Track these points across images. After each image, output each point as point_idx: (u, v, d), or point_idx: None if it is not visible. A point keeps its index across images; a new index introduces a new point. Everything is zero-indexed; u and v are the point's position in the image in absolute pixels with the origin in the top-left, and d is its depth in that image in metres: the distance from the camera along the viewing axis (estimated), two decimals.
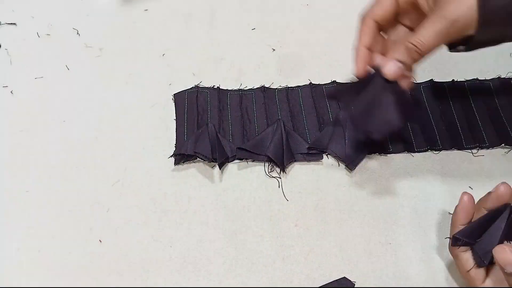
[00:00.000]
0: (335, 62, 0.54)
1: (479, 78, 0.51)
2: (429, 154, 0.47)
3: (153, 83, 0.52)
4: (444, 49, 0.37)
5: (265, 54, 0.54)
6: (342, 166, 0.46)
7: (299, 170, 0.46)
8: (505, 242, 0.34)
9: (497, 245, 0.34)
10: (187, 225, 0.43)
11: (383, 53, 0.37)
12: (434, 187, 0.45)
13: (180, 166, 0.46)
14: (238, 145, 0.46)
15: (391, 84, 0.36)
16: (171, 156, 0.46)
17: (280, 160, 0.45)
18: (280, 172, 0.46)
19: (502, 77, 0.51)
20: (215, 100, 0.50)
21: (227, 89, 0.51)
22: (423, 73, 0.52)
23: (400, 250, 0.42)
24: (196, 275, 0.41)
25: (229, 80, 0.52)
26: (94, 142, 0.48)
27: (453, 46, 0.36)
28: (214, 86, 0.51)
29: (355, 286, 0.40)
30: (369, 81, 0.37)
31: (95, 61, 0.54)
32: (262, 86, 0.51)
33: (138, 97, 0.51)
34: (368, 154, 0.46)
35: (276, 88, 0.51)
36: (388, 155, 0.47)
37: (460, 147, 0.47)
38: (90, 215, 0.44)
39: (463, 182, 0.45)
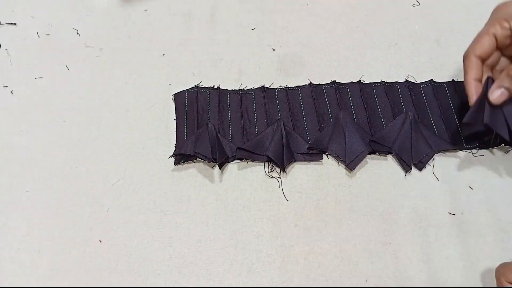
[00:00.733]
0: (335, 62, 0.54)
1: None
2: None
3: (153, 83, 0.52)
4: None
5: (265, 54, 0.54)
6: (342, 166, 0.46)
7: (299, 170, 0.46)
8: None
9: None
10: (187, 225, 0.43)
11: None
12: (434, 187, 0.45)
13: (180, 166, 0.46)
14: (238, 145, 0.46)
15: None
16: (171, 156, 0.46)
17: (280, 160, 0.45)
18: (280, 172, 0.46)
19: None
20: (215, 100, 0.50)
21: (227, 89, 0.51)
22: (423, 73, 0.52)
23: (400, 250, 0.42)
24: (196, 275, 0.41)
25: (229, 80, 0.52)
26: (94, 142, 0.48)
27: None
28: (214, 86, 0.51)
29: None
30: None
31: (95, 61, 0.54)
32: (262, 86, 0.51)
33: (138, 97, 0.51)
34: (368, 154, 0.46)
35: (276, 88, 0.51)
36: (387, 155, 0.47)
37: (461, 147, 0.47)
38: (90, 215, 0.44)
39: (463, 182, 0.45)
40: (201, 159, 0.45)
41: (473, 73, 0.41)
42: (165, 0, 0.59)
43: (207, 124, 0.46)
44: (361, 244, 0.42)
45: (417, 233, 0.43)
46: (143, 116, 0.50)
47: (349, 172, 0.46)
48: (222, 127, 0.48)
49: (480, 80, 0.41)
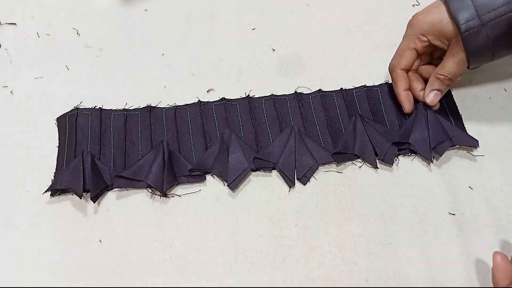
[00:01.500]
0: (335, 62, 0.54)
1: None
2: None
3: (152, 83, 0.52)
4: None
5: (265, 54, 0.54)
6: (342, 166, 0.46)
7: None
8: None
9: None
10: (187, 225, 0.43)
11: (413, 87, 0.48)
12: (434, 187, 0.45)
13: None
14: (119, 171, 0.44)
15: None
16: (46, 191, 0.44)
17: (160, 186, 0.43)
18: (160, 197, 0.44)
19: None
20: (96, 122, 0.47)
21: (110, 109, 0.49)
22: None
23: (400, 250, 0.42)
24: (196, 275, 0.41)
25: (229, 80, 0.52)
26: None
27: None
28: (96, 106, 0.49)
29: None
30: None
31: (95, 61, 0.54)
32: (148, 105, 0.49)
33: (138, 97, 0.51)
34: (252, 171, 0.45)
35: (164, 107, 0.49)
36: (272, 171, 0.46)
37: (350, 158, 0.46)
38: (90, 215, 0.44)
39: (463, 182, 0.45)
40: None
41: (402, 84, 0.47)
42: (165, 0, 0.59)
43: (82, 153, 0.44)
44: (361, 244, 0.42)
45: (417, 233, 0.43)
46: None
47: (349, 172, 0.46)
48: (103, 152, 0.46)
49: (408, 89, 0.48)
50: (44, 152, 0.47)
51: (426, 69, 0.49)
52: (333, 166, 0.46)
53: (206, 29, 0.57)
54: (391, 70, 0.48)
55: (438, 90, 0.46)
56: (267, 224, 0.43)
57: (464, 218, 0.43)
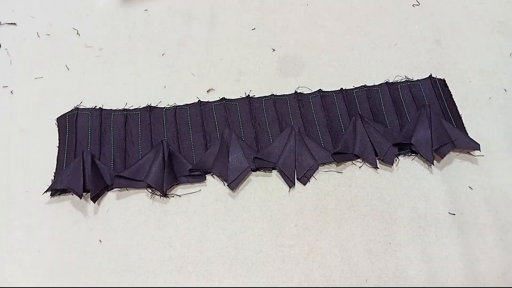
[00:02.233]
0: (335, 62, 0.54)
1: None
2: None
3: (152, 83, 0.52)
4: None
5: (265, 54, 0.54)
6: (342, 166, 0.46)
7: None
8: None
9: None
10: (187, 225, 0.43)
11: None
12: (434, 187, 0.45)
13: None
14: (119, 171, 0.44)
15: None
16: (46, 191, 0.44)
17: (160, 185, 0.43)
18: (161, 197, 0.44)
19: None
20: (96, 122, 0.47)
21: (110, 109, 0.49)
22: (423, 73, 0.52)
23: (400, 250, 0.42)
24: (196, 275, 0.41)
25: (229, 80, 0.52)
26: None
27: None
28: (96, 106, 0.49)
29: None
30: None
31: (95, 61, 0.54)
32: (148, 105, 0.49)
33: (138, 97, 0.51)
34: (252, 171, 0.45)
35: (164, 107, 0.49)
36: (272, 171, 0.46)
37: (350, 158, 0.46)
38: (90, 215, 0.44)
39: (463, 182, 0.45)
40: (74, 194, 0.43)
41: None
42: (165, 0, 0.59)
43: (82, 153, 0.44)
44: (361, 244, 0.42)
45: (417, 233, 0.43)
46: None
47: (349, 172, 0.46)
48: (103, 152, 0.46)
49: None
50: (44, 152, 0.47)
51: None
52: (333, 166, 0.47)
53: (206, 29, 0.57)
54: None
55: None
56: (267, 224, 0.43)
57: (464, 218, 0.43)
